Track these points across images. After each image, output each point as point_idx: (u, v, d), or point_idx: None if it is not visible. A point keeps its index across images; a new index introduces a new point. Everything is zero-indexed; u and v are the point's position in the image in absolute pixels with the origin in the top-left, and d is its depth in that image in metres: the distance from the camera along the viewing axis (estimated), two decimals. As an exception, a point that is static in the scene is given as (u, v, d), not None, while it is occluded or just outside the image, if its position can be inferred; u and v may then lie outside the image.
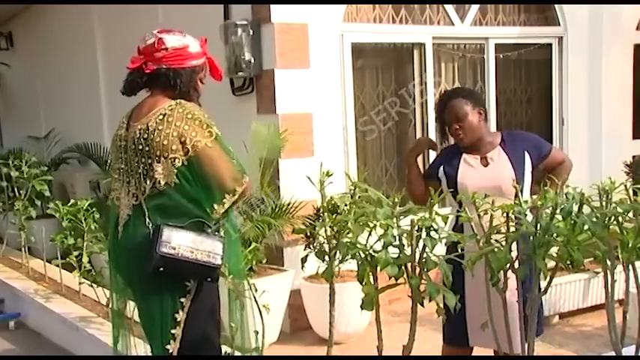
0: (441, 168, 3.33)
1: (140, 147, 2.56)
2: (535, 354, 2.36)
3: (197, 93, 2.78)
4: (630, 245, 2.34)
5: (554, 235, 2.25)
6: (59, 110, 9.63)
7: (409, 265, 2.08)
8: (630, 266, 2.42)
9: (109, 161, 6.83)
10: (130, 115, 2.71)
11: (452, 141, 3.37)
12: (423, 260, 2.07)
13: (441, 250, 2.18)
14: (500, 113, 6.42)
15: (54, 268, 5.92)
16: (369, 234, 2.23)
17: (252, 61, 5.22)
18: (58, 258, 5.53)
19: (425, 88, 5.96)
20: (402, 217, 2.23)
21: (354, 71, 5.58)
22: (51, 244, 5.39)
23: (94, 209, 3.30)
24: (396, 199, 2.19)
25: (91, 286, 3.24)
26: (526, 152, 3.28)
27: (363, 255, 2.16)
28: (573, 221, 2.22)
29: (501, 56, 6.35)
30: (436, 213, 2.20)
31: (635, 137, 7.04)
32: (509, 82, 6.55)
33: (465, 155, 3.32)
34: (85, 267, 3.18)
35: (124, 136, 2.67)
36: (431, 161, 3.57)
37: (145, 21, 6.55)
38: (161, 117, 2.56)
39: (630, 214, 2.37)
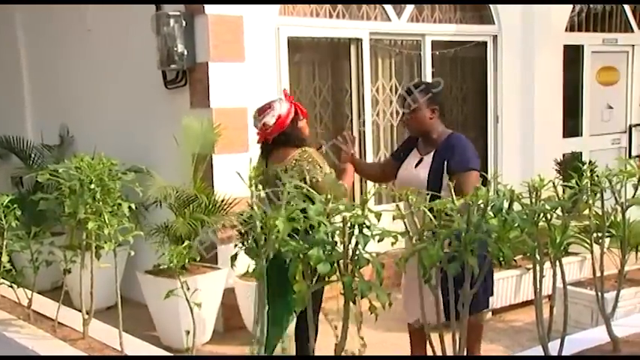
0: (401, 154, 3.78)
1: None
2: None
3: (303, 133, 3.82)
4: (557, 242, 2.42)
5: (486, 231, 2.30)
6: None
7: (342, 262, 2.09)
8: (557, 262, 2.50)
9: (33, 156, 6.63)
10: (267, 160, 3.83)
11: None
12: (356, 258, 2.08)
13: (374, 247, 2.19)
14: (438, 109, 6.53)
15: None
16: (301, 230, 2.23)
17: (186, 53, 5.15)
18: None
19: (362, 83, 6.01)
20: (335, 214, 2.23)
21: (290, 66, 5.58)
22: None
23: (15, 205, 3.19)
24: (329, 196, 2.18)
25: (11, 286, 3.14)
26: (446, 162, 3.45)
27: (295, 252, 2.15)
28: (504, 218, 2.28)
29: (437, 53, 6.46)
30: (369, 210, 2.21)
31: (565, 136, 7.31)
32: (446, 79, 6.63)
33: (414, 150, 3.67)
34: (4, 267, 3.06)
35: (264, 172, 3.73)
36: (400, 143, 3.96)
37: (70, 11, 6.37)
38: (294, 161, 3.68)
39: (558, 211, 2.44)
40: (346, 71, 6.04)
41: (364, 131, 6.04)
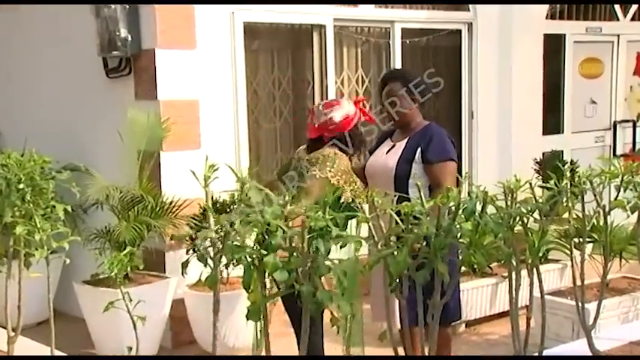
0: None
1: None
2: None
3: (363, 141, 3.97)
4: (535, 247, 2.46)
5: (457, 236, 2.33)
6: None
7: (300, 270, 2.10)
8: (535, 270, 2.54)
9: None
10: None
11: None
12: (316, 265, 2.08)
13: (337, 253, 2.21)
14: (407, 104, 6.57)
15: None
16: (257, 235, 2.23)
17: (129, 38, 5.10)
18: None
19: (325, 74, 6.03)
20: (294, 217, 2.24)
21: (246, 54, 5.57)
22: None
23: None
24: (287, 197, 2.19)
25: None
26: (420, 148, 3.66)
27: (249, 259, 2.15)
28: (477, 222, 2.31)
29: (408, 42, 6.51)
30: (331, 212, 2.23)
31: (545, 133, 7.42)
32: (416, 68, 6.71)
33: (387, 139, 3.88)
34: None
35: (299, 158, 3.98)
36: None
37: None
38: (317, 157, 3.82)
39: (535, 215, 2.48)
40: (308, 61, 6.04)
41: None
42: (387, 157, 3.79)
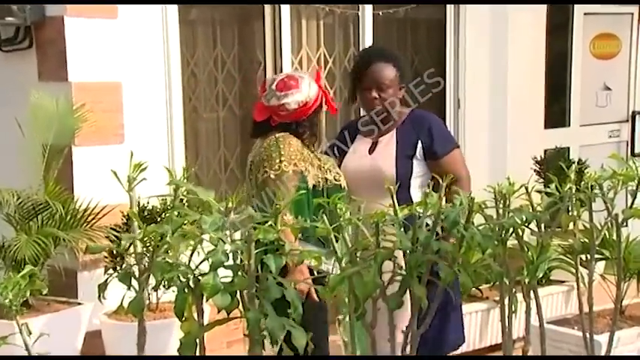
0: (335, 148, 3.99)
1: None
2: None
3: (320, 130, 3.85)
4: (532, 266, 2.50)
5: (437, 251, 2.36)
6: None
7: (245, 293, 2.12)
8: (532, 293, 2.58)
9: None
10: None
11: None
12: (265, 287, 2.11)
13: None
14: (379, 90, 6.59)
15: None
16: (193, 251, 2.25)
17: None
18: None
19: (280, 53, 6.05)
20: (239, 228, 2.26)
21: (181, 26, 5.55)
22: None
23: None
24: (231, 204, 2.21)
25: None
26: (420, 142, 3.76)
27: (183, 279, 2.17)
28: (461, 235, 2.34)
29: (381, 14, 6.53)
30: (284, 223, 2.24)
31: (548, 126, 7.50)
32: (392, 47, 6.75)
33: (359, 135, 3.92)
34: None
35: None
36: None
37: None
38: (262, 150, 3.74)
39: (533, 226, 2.53)
40: (259, 36, 6.04)
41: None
42: (373, 158, 3.84)
